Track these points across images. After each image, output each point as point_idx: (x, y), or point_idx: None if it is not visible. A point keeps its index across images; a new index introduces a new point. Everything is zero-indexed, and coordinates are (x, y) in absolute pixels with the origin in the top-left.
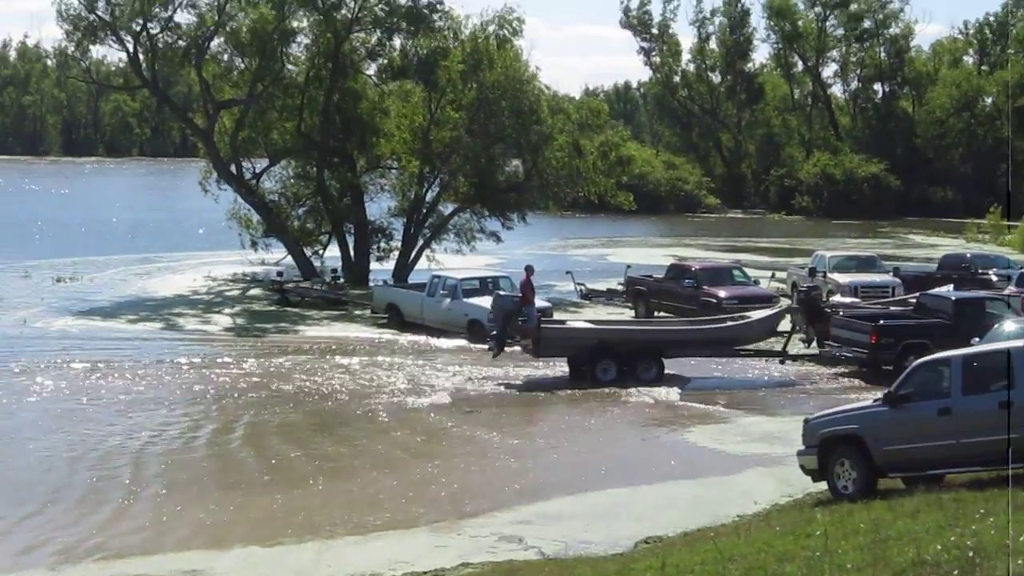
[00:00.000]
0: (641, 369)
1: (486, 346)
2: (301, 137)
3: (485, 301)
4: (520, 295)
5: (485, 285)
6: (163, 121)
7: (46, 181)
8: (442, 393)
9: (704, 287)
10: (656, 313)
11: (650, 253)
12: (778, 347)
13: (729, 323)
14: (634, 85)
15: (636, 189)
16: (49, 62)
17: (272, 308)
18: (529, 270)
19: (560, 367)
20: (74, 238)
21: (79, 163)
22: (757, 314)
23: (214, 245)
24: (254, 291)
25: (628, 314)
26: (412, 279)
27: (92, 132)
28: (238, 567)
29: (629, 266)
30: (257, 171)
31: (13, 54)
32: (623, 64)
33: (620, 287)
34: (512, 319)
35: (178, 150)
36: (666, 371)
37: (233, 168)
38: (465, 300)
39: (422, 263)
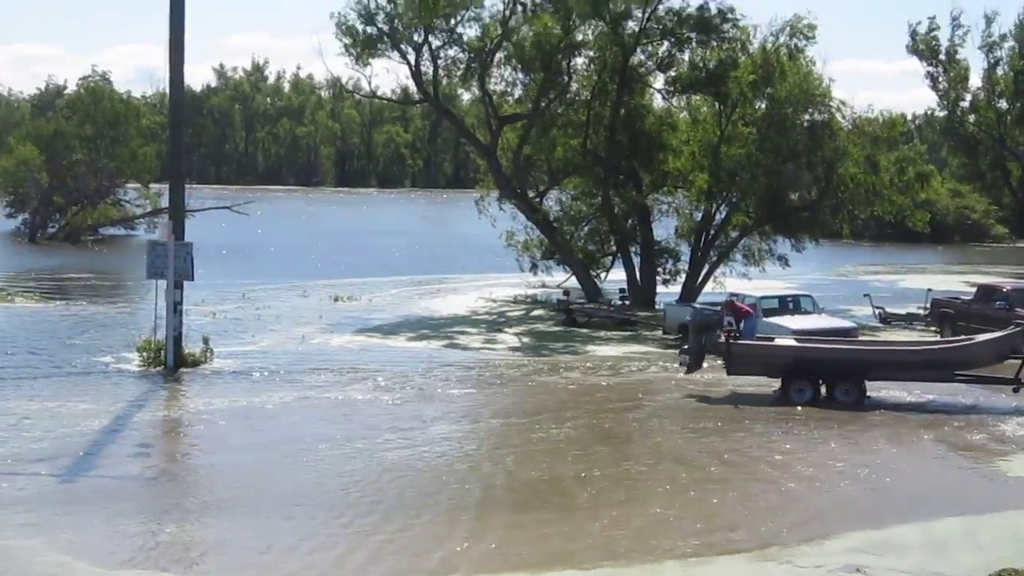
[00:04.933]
0: (841, 391)
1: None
2: (586, 154)
3: (786, 321)
4: (721, 311)
5: (785, 304)
6: (435, 152)
7: (324, 209)
8: (735, 413)
9: (1017, 309)
10: None
11: (944, 279)
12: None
13: (945, 345)
14: (909, 117)
15: None
16: (324, 93)
17: (558, 329)
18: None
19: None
20: (352, 261)
21: (353, 193)
22: (980, 337)
23: (492, 268)
24: (537, 312)
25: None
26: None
27: (365, 163)
28: None
29: (930, 289)
30: (539, 191)
31: (287, 86)
32: (894, 98)
33: (921, 310)
34: (710, 333)
35: (450, 182)
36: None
37: (515, 186)
38: (765, 319)
39: (709, 286)
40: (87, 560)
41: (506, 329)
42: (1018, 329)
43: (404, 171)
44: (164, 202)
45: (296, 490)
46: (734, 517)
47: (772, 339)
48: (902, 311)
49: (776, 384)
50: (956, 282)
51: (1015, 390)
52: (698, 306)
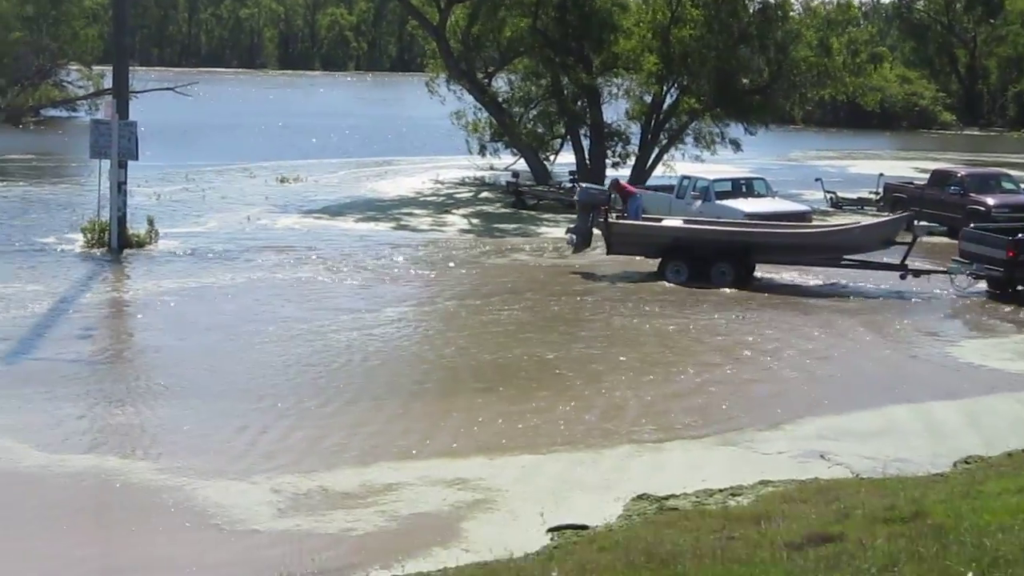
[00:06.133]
0: (715, 272)
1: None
2: (536, 34)
3: (739, 204)
4: (610, 190)
5: (738, 187)
6: (380, 35)
7: (267, 91)
8: (686, 295)
9: (971, 194)
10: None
11: (893, 165)
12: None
13: (830, 229)
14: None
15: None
16: None
17: (507, 211)
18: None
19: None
20: (298, 142)
21: (297, 75)
22: (864, 221)
23: (439, 151)
24: (485, 194)
25: None
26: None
27: (309, 46)
28: (514, 478)
29: (882, 174)
30: (488, 72)
31: None
32: None
33: (872, 195)
34: (596, 212)
35: (394, 65)
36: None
37: (464, 66)
38: (718, 202)
39: (659, 169)
40: (31, 444)
41: (454, 211)
42: (905, 214)
43: (348, 54)
44: (107, 83)
45: (247, 372)
46: (690, 401)
47: (659, 219)
48: (853, 195)
49: None
50: (906, 168)
51: (902, 276)
52: (584, 184)
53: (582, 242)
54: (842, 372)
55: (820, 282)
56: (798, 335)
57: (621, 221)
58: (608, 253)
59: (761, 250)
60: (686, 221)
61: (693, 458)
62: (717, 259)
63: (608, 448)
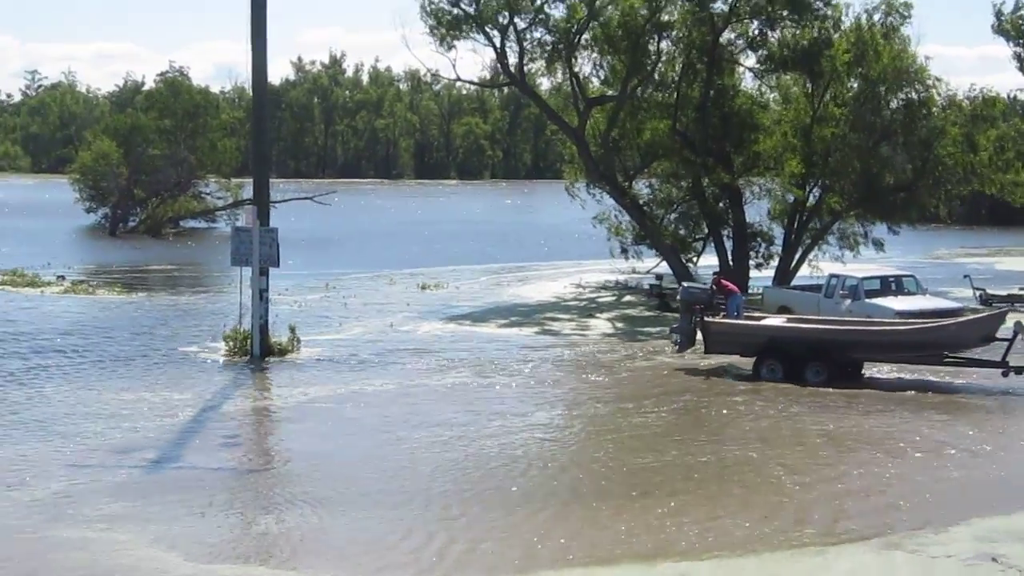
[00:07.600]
0: (810, 371)
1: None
2: (676, 136)
3: (889, 302)
4: (713, 287)
5: (887, 285)
6: (515, 143)
7: (406, 201)
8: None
9: None
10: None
11: None
12: None
13: (923, 326)
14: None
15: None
16: (402, 86)
17: (650, 314)
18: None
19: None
20: (438, 249)
21: (434, 184)
22: (962, 318)
23: (578, 255)
24: (628, 298)
25: None
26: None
27: (444, 155)
28: None
29: None
30: (628, 174)
31: (365, 78)
32: (979, 82)
33: (1022, 291)
34: (697, 311)
35: (529, 172)
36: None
37: (604, 169)
38: (867, 301)
39: (804, 270)
40: (177, 553)
41: (598, 315)
42: (1003, 310)
43: (484, 162)
44: (245, 194)
45: (396, 481)
46: (850, 504)
47: (761, 318)
48: (1003, 292)
49: None
50: None
51: (1004, 374)
52: (685, 284)
53: (686, 342)
54: (1004, 472)
55: (964, 382)
56: (952, 434)
57: (718, 320)
58: (706, 352)
59: (858, 348)
60: (788, 320)
61: (856, 563)
62: (812, 358)
63: (768, 552)
